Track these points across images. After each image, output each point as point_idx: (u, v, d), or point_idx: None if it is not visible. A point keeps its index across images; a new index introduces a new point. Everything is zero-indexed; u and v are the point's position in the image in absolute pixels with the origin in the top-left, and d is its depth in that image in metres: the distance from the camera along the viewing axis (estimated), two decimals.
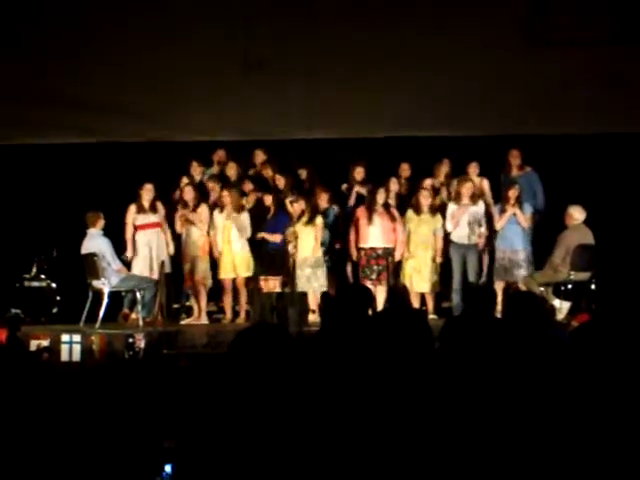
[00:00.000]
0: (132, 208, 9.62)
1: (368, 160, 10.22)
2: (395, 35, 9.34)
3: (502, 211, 9.43)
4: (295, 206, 9.60)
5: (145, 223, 9.60)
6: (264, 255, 9.58)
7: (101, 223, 9.40)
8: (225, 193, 9.64)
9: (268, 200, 9.74)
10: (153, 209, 9.65)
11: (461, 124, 9.85)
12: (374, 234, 9.44)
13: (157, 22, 9.50)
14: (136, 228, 9.62)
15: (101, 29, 9.49)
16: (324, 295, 9.28)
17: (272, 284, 9.40)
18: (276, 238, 9.52)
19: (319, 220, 9.54)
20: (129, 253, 9.61)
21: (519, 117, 9.75)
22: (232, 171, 10.22)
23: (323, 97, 9.63)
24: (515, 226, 9.38)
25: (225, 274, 9.70)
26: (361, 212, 9.54)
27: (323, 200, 9.89)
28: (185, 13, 9.44)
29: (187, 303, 10.11)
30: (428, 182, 9.90)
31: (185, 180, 10.04)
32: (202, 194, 9.98)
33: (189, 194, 9.70)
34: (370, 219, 9.40)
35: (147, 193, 9.62)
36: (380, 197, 9.49)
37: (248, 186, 10.12)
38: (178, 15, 9.44)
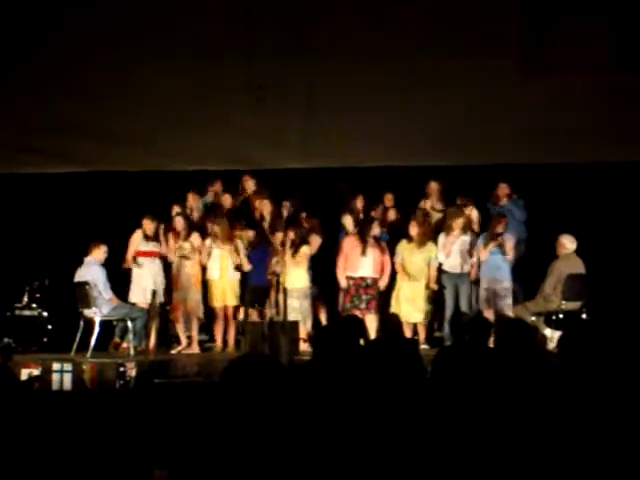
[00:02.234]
0: (139, 233, 9.79)
1: (361, 190, 10.27)
2: (393, 65, 9.40)
3: (487, 242, 9.46)
4: (279, 236, 9.66)
5: (147, 250, 9.74)
6: (247, 288, 9.62)
7: (100, 255, 9.43)
8: (215, 227, 9.75)
9: (250, 236, 9.88)
10: (155, 238, 9.82)
11: (455, 153, 9.87)
12: (366, 264, 9.45)
13: (156, 50, 9.54)
14: (138, 253, 9.71)
15: (99, 59, 9.54)
16: (316, 324, 9.31)
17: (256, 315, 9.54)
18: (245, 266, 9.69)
19: (305, 249, 9.58)
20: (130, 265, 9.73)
21: (511, 145, 9.77)
22: (227, 202, 10.28)
23: (321, 127, 9.67)
24: (499, 256, 9.39)
25: (218, 302, 9.75)
26: (352, 242, 9.55)
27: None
28: (185, 42, 9.49)
29: (170, 332, 10.08)
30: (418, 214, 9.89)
31: (176, 209, 10.08)
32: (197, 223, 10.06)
33: (179, 224, 9.79)
34: (364, 250, 9.42)
35: (148, 225, 9.80)
36: (374, 229, 9.53)
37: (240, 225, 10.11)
38: (178, 44, 9.48)
